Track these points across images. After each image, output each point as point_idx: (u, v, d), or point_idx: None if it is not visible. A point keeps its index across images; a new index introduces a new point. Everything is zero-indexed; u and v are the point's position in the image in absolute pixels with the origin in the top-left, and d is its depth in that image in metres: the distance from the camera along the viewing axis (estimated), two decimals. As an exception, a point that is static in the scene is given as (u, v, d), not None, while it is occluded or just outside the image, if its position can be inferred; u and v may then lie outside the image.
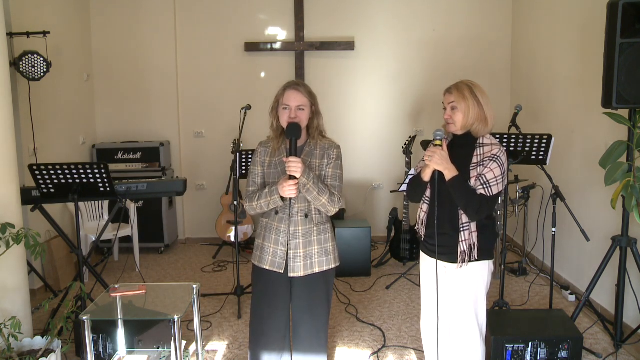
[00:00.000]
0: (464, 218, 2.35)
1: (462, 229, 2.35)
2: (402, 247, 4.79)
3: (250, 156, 4.29)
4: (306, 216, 2.43)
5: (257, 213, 2.48)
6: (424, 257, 2.56)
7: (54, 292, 4.08)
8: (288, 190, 2.28)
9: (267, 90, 5.52)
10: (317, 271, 2.46)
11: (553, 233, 3.45)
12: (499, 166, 2.31)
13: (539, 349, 2.93)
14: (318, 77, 5.53)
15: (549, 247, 3.57)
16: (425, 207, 2.47)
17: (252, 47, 5.51)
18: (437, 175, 2.33)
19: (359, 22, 5.53)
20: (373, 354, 3.31)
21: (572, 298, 4.07)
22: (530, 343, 2.93)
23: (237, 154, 4.00)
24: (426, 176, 2.39)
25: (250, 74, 5.61)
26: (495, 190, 2.30)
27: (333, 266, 2.52)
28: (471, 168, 2.34)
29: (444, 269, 2.46)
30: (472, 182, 2.31)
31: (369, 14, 5.53)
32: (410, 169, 4.22)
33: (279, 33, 5.58)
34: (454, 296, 2.45)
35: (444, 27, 5.54)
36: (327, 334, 2.60)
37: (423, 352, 3.29)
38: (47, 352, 2.71)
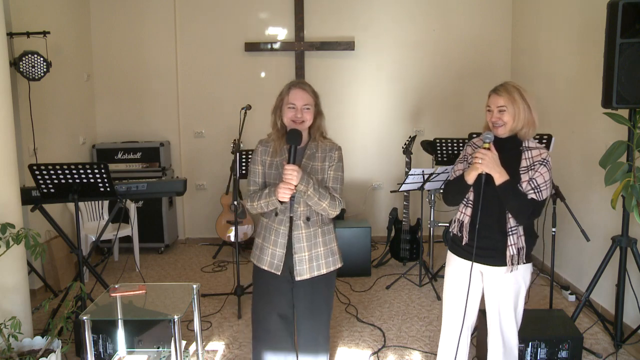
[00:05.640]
0: (512, 222, 2.31)
1: (510, 233, 2.32)
2: (402, 247, 4.79)
3: (250, 156, 4.29)
4: (308, 219, 2.42)
5: (259, 212, 2.48)
6: (460, 261, 2.47)
7: (54, 292, 4.08)
8: (281, 194, 2.29)
9: (267, 90, 5.55)
10: (325, 272, 2.47)
11: (553, 233, 3.45)
12: (548, 170, 2.30)
13: (539, 349, 2.93)
14: (318, 77, 5.53)
15: (549, 247, 3.57)
16: (469, 210, 2.40)
17: (252, 47, 5.51)
18: (485, 178, 2.28)
19: (359, 22, 5.53)
20: (373, 354, 3.31)
21: (572, 298, 4.08)
22: (530, 343, 2.93)
23: (237, 154, 4.00)
24: (471, 179, 2.32)
25: (250, 74, 5.61)
26: (545, 195, 2.28)
27: (338, 266, 2.53)
28: (521, 172, 2.30)
29: (480, 274, 2.44)
30: (524, 186, 2.28)
31: (369, 14, 5.52)
32: (410, 169, 4.21)
33: (279, 33, 5.58)
34: (496, 300, 2.41)
35: (444, 27, 5.54)
36: (329, 336, 2.60)
37: (423, 352, 3.30)
38: (47, 352, 2.71)
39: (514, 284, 2.38)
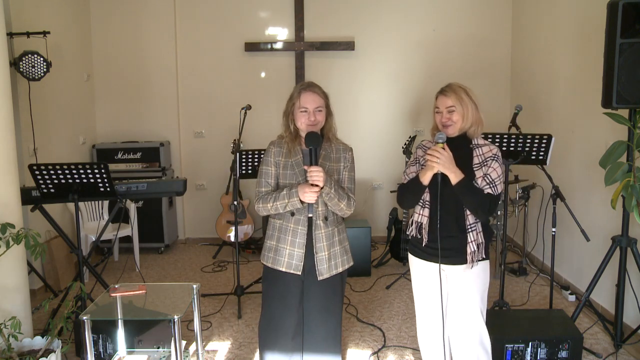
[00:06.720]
0: (471, 219, 2.35)
1: (469, 230, 2.35)
2: (402, 247, 4.79)
3: (250, 156, 4.29)
4: (326, 219, 2.45)
5: (270, 214, 2.47)
6: (421, 263, 2.48)
7: (54, 292, 4.08)
8: (309, 197, 2.31)
9: (267, 90, 5.58)
10: (341, 270, 2.50)
11: (553, 233, 3.45)
12: (500, 165, 2.35)
13: (539, 349, 2.93)
14: (318, 77, 5.51)
15: (549, 247, 3.57)
16: (426, 211, 2.41)
17: (252, 47, 5.51)
18: (440, 177, 2.30)
19: (359, 22, 5.53)
20: (373, 354, 3.31)
21: (572, 298, 4.08)
22: (530, 343, 2.93)
23: (237, 154, 4.00)
24: (426, 179, 2.34)
25: (250, 74, 5.61)
26: (500, 189, 2.33)
27: (351, 264, 2.58)
28: (475, 169, 2.34)
29: (443, 272, 2.44)
30: (479, 182, 2.31)
31: (369, 14, 5.52)
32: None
33: (279, 33, 5.58)
34: (462, 298, 2.42)
35: (444, 27, 5.54)
36: (341, 333, 2.60)
37: (423, 352, 3.29)
38: (47, 352, 2.71)
39: (477, 282, 2.40)
